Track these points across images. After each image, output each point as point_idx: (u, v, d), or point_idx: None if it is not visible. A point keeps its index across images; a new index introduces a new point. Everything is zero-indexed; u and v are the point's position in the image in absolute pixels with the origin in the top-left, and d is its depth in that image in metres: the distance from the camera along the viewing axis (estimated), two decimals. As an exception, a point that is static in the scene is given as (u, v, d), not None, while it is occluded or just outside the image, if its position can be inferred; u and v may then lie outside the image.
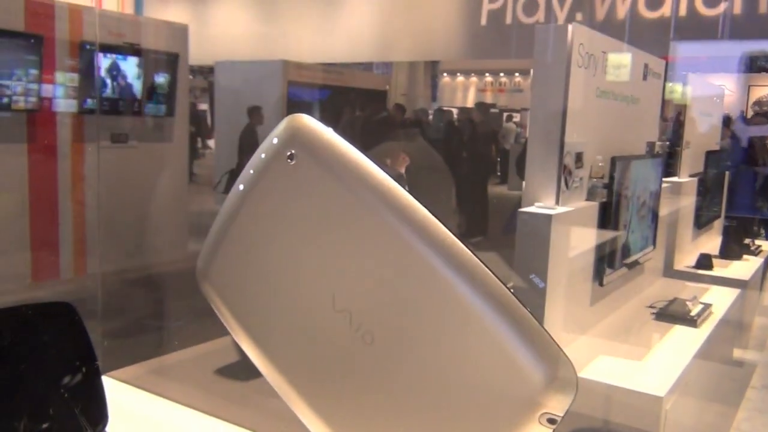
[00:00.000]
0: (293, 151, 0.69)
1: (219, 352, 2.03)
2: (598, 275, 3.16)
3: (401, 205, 0.67)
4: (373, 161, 0.68)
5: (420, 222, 0.67)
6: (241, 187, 0.71)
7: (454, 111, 11.79)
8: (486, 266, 0.67)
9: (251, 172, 0.71)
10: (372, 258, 0.68)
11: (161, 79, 6.01)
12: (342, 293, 0.68)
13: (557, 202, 2.93)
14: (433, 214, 0.67)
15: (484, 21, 7.36)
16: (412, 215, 0.67)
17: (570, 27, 2.82)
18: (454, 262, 0.66)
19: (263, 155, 0.70)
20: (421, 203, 0.67)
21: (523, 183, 3.15)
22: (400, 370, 0.67)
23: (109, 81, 5.70)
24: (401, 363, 0.67)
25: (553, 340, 0.63)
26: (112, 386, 1.50)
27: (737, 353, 4.57)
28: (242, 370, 1.87)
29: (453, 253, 0.66)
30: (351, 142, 0.68)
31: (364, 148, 0.68)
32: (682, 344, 3.14)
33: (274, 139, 0.70)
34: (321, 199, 0.69)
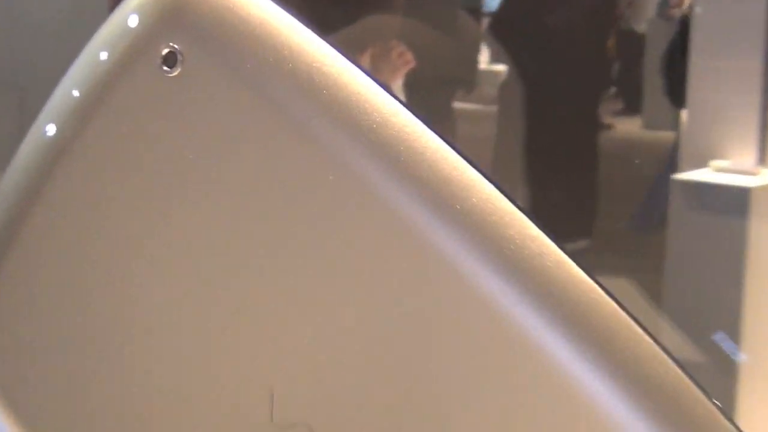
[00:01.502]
0: (175, 47, 0.31)
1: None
2: None
3: (417, 163, 0.32)
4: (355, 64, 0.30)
5: (474, 209, 0.32)
6: (50, 131, 0.33)
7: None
8: (618, 303, 0.34)
9: (74, 94, 0.33)
10: (359, 287, 0.33)
11: None
12: (291, 381, 0.31)
13: (761, 162, 1.52)
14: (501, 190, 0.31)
15: None
16: (441, 186, 0.32)
17: None
18: (545, 295, 0.32)
19: (103, 55, 0.32)
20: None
21: (682, 114, 1.66)
22: None
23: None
24: None
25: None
26: None
27: None
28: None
29: (543, 274, 0.32)
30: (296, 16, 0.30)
31: (323, 27, 0.30)
32: None
33: (128, 17, 0.32)
34: (235, 155, 0.32)
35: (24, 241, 0.33)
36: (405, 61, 1.48)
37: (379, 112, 0.31)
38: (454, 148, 0.32)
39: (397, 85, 1.56)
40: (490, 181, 0.32)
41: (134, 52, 0.32)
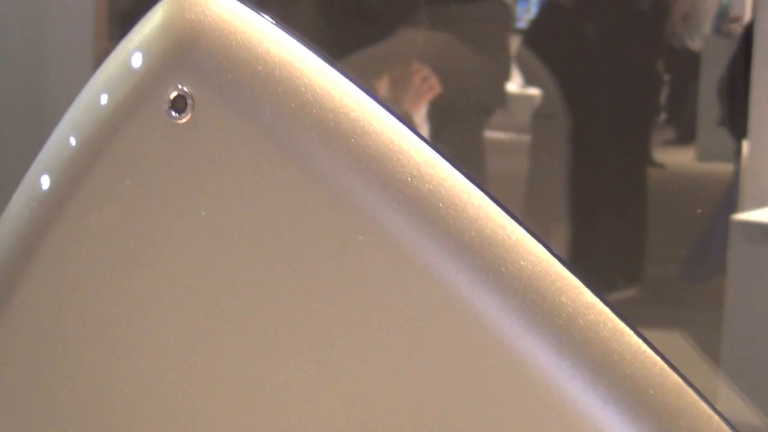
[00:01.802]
0: (185, 90, 0.28)
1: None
2: None
3: (472, 229, 0.29)
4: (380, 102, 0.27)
5: (522, 273, 0.29)
6: (45, 184, 0.30)
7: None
8: (683, 377, 0.31)
9: (71, 143, 0.29)
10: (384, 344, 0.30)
11: None
12: None
13: None
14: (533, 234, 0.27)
15: None
16: (499, 255, 0.29)
17: None
18: (602, 369, 0.29)
19: (103, 99, 0.29)
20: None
21: (743, 145, 1.54)
22: None
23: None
24: None
25: None
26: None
27: None
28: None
29: (599, 346, 0.29)
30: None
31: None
32: None
33: (132, 55, 0.29)
34: (255, 213, 0.28)
35: (14, 308, 0.29)
36: (429, 86, 1.38)
37: (415, 163, 0.28)
38: (497, 203, 0.29)
39: (420, 114, 1.42)
40: (540, 241, 0.29)
41: (139, 96, 0.28)
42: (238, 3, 0.29)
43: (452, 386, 0.29)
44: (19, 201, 0.30)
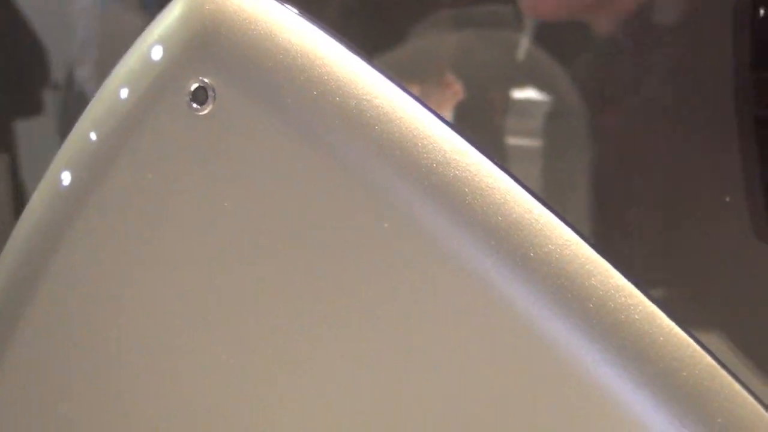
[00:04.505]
0: (206, 81, 0.30)
1: None
2: None
3: (499, 213, 0.30)
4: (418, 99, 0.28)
5: (550, 257, 0.30)
6: (66, 180, 0.31)
7: None
8: (717, 359, 0.32)
9: (92, 138, 0.31)
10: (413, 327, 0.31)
11: None
12: None
13: None
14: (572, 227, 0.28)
15: None
16: (526, 239, 0.30)
17: None
18: (633, 353, 0.30)
19: (124, 93, 0.31)
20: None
21: None
22: None
23: None
24: None
25: None
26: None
27: None
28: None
29: (630, 329, 0.30)
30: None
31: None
32: None
33: (152, 48, 0.30)
34: (280, 203, 0.30)
35: (38, 303, 0.31)
36: (454, 92, 1.39)
37: (441, 149, 0.29)
38: (524, 187, 0.30)
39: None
40: (567, 224, 0.30)
41: (159, 89, 0.30)
42: None
43: (482, 372, 0.30)
44: (40, 197, 0.31)
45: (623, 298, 0.30)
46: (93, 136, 0.30)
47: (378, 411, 0.31)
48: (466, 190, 0.29)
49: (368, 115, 0.29)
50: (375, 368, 0.30)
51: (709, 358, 0.32)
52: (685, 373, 0.31)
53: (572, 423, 0.30)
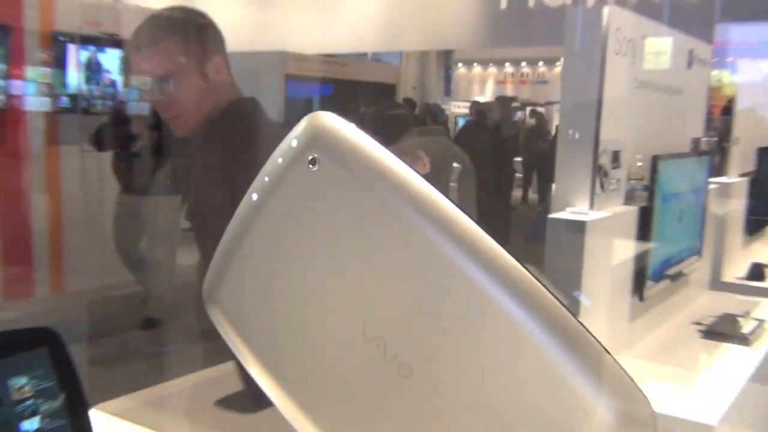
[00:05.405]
0: (315, 155, 0.66)
1: (220, 380, 2.00)
2: (638, 288, 3.12)
3: (443, 217, 0.64)
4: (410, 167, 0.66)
5: (465, 236, 0.64)
6: (255, 197, 0.69)
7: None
8: (546, 287, 0.64)
9: (266, 179, 0.68)
10: (410, 279, 0.65)
11: (144, 74, 5.91)
12: (374, 319, 0.66)
13: (591, 207, 2.91)
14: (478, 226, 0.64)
15: (504, 4, 7.31)
16: (455, 228, 0.64)
17: (606, 10, 2.80)
18: (508, 283, 0.62)
19: (280, 160, 0.68)
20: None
21: (553, 186, 3.12)
22: (442, 408, 0.64)
23: (87, 76, 5.68)
24: (443, 400, 0.64)
25: (626, 372, 0.60)
26: (100, 420, 1.48)
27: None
28: (246, 400, 1.83)
29: (506, 272, 0.63)
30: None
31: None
32: (733, 366, 3.07)
33: (292, 141, 0.67)
34: (348, 211, 0.66)
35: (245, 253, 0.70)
36: (422, 165, 3.01)
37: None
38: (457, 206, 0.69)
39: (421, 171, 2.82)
40: (471, 217, 0.69)
41: (295, 158, 0.68)
42: (336, 116, 0.68)
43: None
44: (238, 215, 0.69)
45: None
46: (266, 179, 0.68)
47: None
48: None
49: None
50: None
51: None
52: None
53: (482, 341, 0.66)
